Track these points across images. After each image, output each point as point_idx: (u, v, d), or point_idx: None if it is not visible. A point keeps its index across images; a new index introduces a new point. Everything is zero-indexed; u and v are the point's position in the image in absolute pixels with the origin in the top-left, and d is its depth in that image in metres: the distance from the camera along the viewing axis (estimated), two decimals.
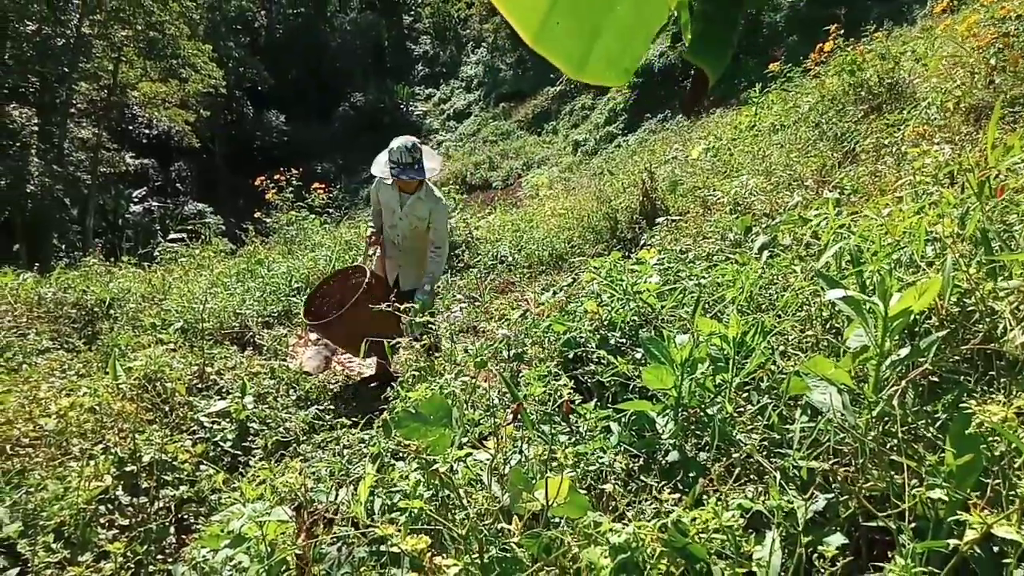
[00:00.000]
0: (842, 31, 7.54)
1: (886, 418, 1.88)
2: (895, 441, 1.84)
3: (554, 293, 3.79)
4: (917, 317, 2.07)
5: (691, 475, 2.06)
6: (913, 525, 1.53)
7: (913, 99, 6.11)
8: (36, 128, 21.82)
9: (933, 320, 2.13)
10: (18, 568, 2.19)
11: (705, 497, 1.32)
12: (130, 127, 29.07)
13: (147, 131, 29.51)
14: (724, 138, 8.97)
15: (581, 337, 3.19)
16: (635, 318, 3.19)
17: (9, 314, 5.03)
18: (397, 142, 4.22)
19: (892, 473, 1.74)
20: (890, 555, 1.49)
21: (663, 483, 1.22)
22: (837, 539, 1.49)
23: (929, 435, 1.89)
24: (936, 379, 2.06)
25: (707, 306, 3.11)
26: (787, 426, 2.20)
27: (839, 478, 1.90)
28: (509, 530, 1.24)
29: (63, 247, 21.11)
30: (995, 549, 1.50)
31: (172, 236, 10.57)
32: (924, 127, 4.74)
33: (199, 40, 27.26)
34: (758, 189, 5.06)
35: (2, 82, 21.24)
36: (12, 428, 2.85)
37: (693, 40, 0.61)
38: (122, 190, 27.09)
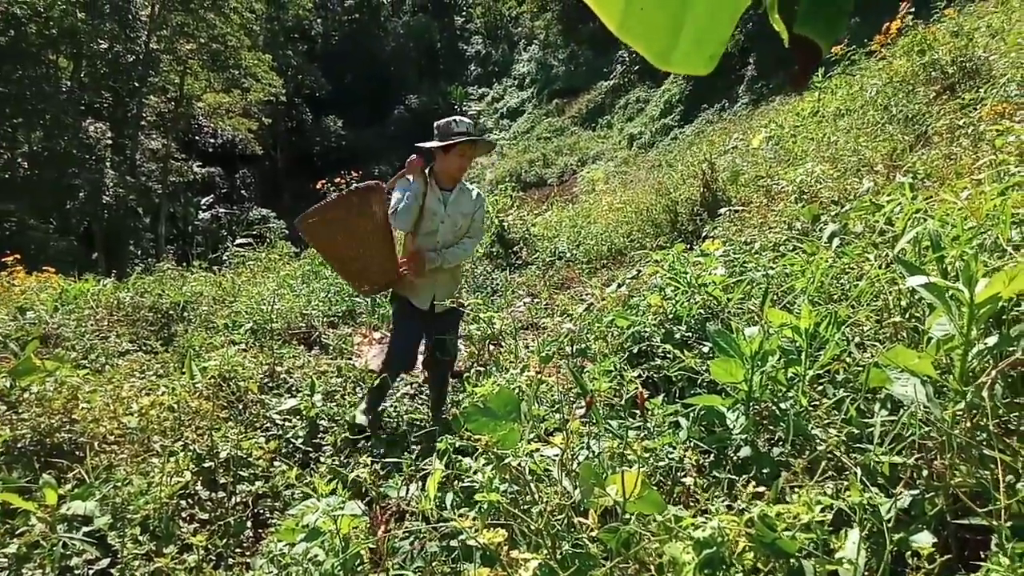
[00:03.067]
0: (912, 8, 7.22)
1: (974, 411, 1.78)
2: (985, 435, 1.75)
3: (617, 287, 3.75)
4: (1005, 304, 1.96)
5: (764, 471, 2.00)
6: (1009, 524, 1.45)
7: (990, 76, 5.81)
8: (110, 141, 22.88)
9: (1023, 307, 2.02)
10: (108, 559, 2.30)
11: (786, 493, 1.28)
12: (196, 137, 30.18)
13: (212, 140, 30.59)
14: (786, 125, 8.72)
15: (645, 331, 3.14)
16: (701, 311, 3.13)
17: (92, 318, 5.28)
18: (453, 117, 3.77)
19: (983, 468, 1.65)
20: (983, 555, 1.42)
21: (741, 477, 1.18)
22: (925, 537, 1.43)
23: (1023, 428, 1.79)
24: None
25: (776, 297, 3.03)
26: (866, 420, 2.12)
27: (924, 474, 1.83)
28: (583, 525, 1.23)
29: (138, 254, 22.08)
30: None
31: (239, 241, 10.91)
32: (1003, 105, 4.50)
33: (259, 50, 28.09)
34: (824, 176, 4.90)
35: (79, 99, 22.31)
36: (99, 426, 2.98)
37: (804, 9, 0.59)
38: (191, 198, 28.15)
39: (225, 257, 8.97)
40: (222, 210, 28.34)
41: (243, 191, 31.32)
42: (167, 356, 4.61)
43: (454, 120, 3.74)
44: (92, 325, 5.11)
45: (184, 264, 7.97)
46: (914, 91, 6.47)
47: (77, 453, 2.87)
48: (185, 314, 5.76)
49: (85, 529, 2.36)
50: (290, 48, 34.21)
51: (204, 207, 28.35)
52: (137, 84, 23.24)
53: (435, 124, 3.78)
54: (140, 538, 2.31)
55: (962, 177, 3.48)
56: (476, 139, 3.71)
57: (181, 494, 2.65)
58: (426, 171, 3.78)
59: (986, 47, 6.47)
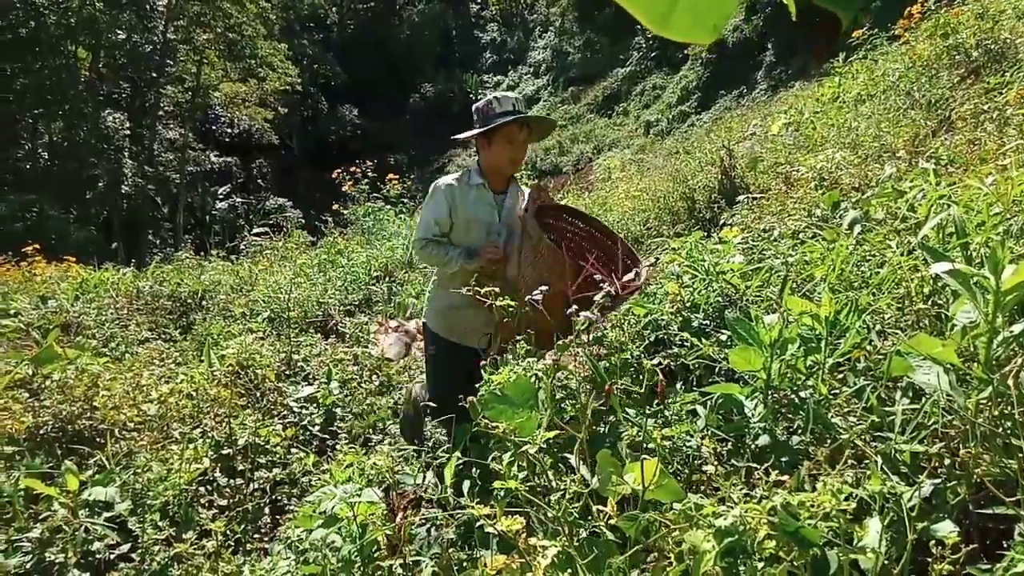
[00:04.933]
0: None
1: (999, 399, 1.75)
2: (1010, 423, 1.72)
3: (635, 275, 3.72)
4: None
5: (783, 460, 1.98)
6: None
7: (1016, 60, 5.68)
8: (128, 131, 23.07)
9: None
10: (129, 544, 2.33)
11: (807, 482, 1.27)
12: (213, 127, 30.36)
13: (229, 130, 30.75)
14: (806, 111, 8.60)
15: (662, 319, 3.12)
16: (719, 299, 3.10)
17: (112, 307, 5.34)
18: (494, 94, 2.97)
19: (1007, 458, 1.63)
20: (1006, 545, 1.39)
21: (763, 466, 1.17)
22: (947, 526, 1.40)
23: None
24: None
25: (795, 285, 2.99)
26: (887, 408, 2.10)
27: (947, 463, 1.80)
28: (601, 513, 1.22)
29: (156, 243, 22.29)
30: None
31: (256, 230, 10.98)
32: None
33: (275, 40, 28.15)
34: (845, 162, 4.83)
35: (98, 89, 22.50)
36: (119, 413, 3.02)
37: None
38: (208, 187, 28.34)
39: (242, 246, 9.01)
40: (239, 199, 28.51)
41: (259, 180, 31.49)
42: (186, 344, 4.66)
43: (495, 98, 2.88)
44: (112, 314, 5.16)
45: (202, 253, 8.03)
46: (937, 75, 6.35)
47: (98, 440, 2.91)
48: (203, 303, 5.81)
49: (106, 515, 2.40)
50: (306, 37, 34.27)
51: (221, 196, 28.54)
52: (155, 74, 23.42)
53: (474, 107, 2.98)
54: (160, 524, 2.34)
55: (987, 163, 3.42)
56: (527, 117, 2.81)
57: (200, 480, 2.68)
58: (471, 169, 3.00)
59: (1012, 30, 6.32)
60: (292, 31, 32.57)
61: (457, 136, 3.16)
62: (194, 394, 3.20)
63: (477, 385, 1.88)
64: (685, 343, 2.84)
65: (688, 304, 3.18)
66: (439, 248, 2.84)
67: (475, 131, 2.92)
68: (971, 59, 6.21)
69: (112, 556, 2.30)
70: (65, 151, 21.05)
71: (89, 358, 3.43)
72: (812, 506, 1.05)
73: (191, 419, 3.09)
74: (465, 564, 1.77)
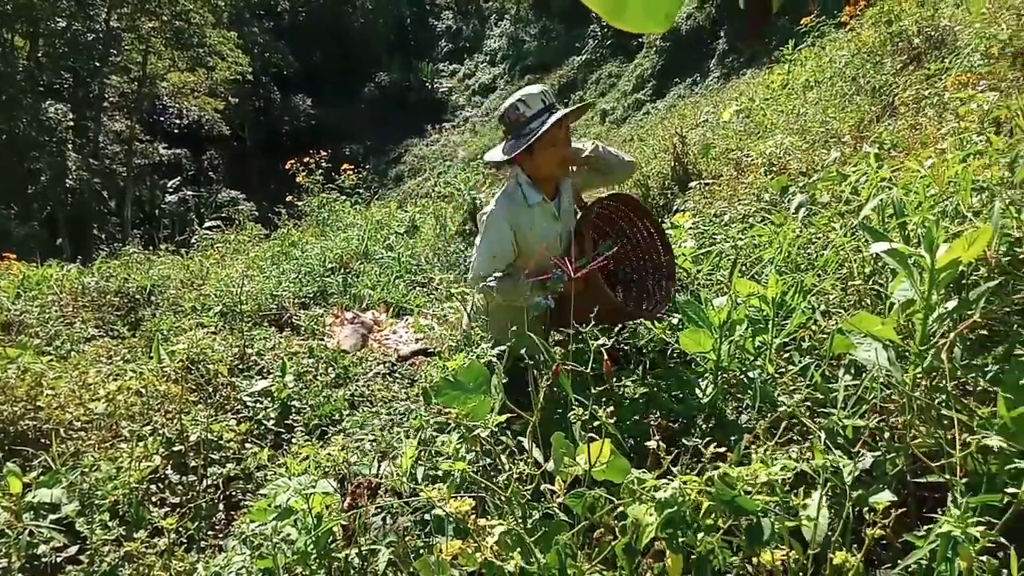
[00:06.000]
0: None
1: (934, 373, 1.82)
2: (944, 396, 1.79)
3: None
4: (965, 269, 2.00)
5: (732, 438, 2.03)
6: (965, 480, 1.49)
7: (955, 47, 5.87)
8: (71, 123, 22.30)
9: (982, 271, 2.06)
10: (77, 546, 2.27)
11: (750, 455, 1.30)
12: (161, 118, 29.53)
13: (178, 121, 29.96)
14: (756, 98, 8.76)
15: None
16: None
17: (56, 304, 5.17)
18: (517, 95, 2.62)
19: (941, 428, 1.69)
20: (941, 511, 1.45)
21: (705, 441, 1.20)
22: (886, 496, 1.46)
23: (980, 388, 1.84)
24: (986, 332, 1.99)
25: (744, 268, 3.05)
26: (831, 385, 2.16)
27: (886, 436, 1.87)
28: (552, 493, 1.24)
29: (103, 238, 21.62)
30: None
31: (208, 224, 10.75)
32: (967, 75, 4.55)
33: (224, 28, 27.44)
34: (793, 148, 4.93)
35: (37, 79, 21.67)
36: (64, 412, 2.94)
37: None
38: (157, 180, 27.60)
39: (193, 240, 8.81)
40: (189, 192, 27.82)
41: (211, 173, 30.78)
42: (134, 341, 4.54)
43: (521, 101, 2.54)
44: (56, 311, 5.00)
45: (151, 248, 7.83)
46: (881, 62, 6.52)
47: (42, 440, 2.83)
48: (152, 298, 5.67)
49: (52, 517, 2.33)
50: (256, 25, 33.48)
51: (171, 190, 27.81)
52: (98, 64, 22.63)
53: (499, 115, 2.68)
54: (109, 524, 2.28)
55: (927, 146, 3.53)
56: (564, 112, 2.54)
57: (151, 478, 2.62)
58: (518, 181, 2.60)
59: (951, 17, 6.53)
60: (242, 19, 31.77)
61: (491, 159, 2.69)
62: (143, 391, 3.13)
63: None
64: (638, 326, 2.88)
65: None
66: (506, 285, 2.48)
67: (513, 152, 2.51)
68: (913, 46, 6.39)
69: (59, 559, 2.24)
70: (4, 144, 20.23)
71: (32, 357, 3.33)
72: (749, 477, 1.08)
73: (141, 416, 3.02)
74: (422, 551, 1.77)
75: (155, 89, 26.69)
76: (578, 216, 2.73)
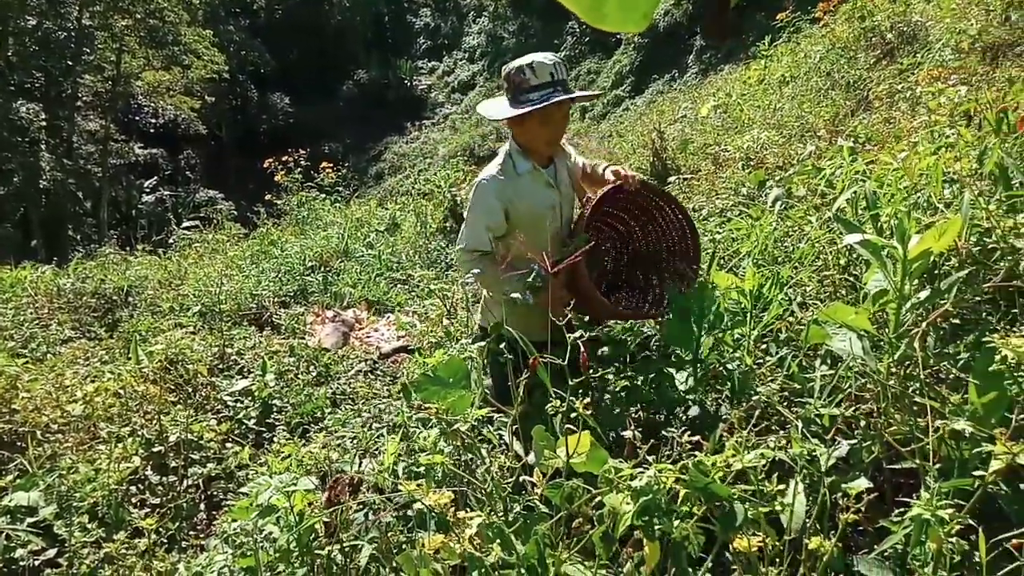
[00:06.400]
0: None
1: (907, 362, 1.86)
2: (917, 384, 1.82)
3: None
4: (936, 259, 2.03)
5: (714, 429, 2.06)
6: (938, 466, 1.52)
7: (926, 42, 5.95)
8: (44, 123, 21.92)
9: (953, 261, 2.10)
10: (55, 549, 2.25)
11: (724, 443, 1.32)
12: (136, 117, 29.11)
13: (153, 120, 29.55)
14: (734, 94, 8.82)
15: None
16: None
17: (31, 306, 5.10)
18: (528, 59, 2.40)
19: (915, 416, 1.72)
20: (916, 497, 1.48)
21: (683, 430, 1.22)
22: (862, 483, 1.48)
23: (952, 376, 1.87)
24: (957, 321, 2.03)
25: (722, 261, 3.08)
26: (807, 375, 2.19)
27: (862, 424, 1.90)
28: (532, 485, 1.24)
29: (79, 239, 21.29)
30: (1022, 487, 1.49)
31: (186, 224, 10.62)
32: (938, 69, 4.62)
33: (199, 26, 27.10)
34: (770, 142, 4.98)
35: (8, 79, 21.27)
36: (40, 415, 2.90)
37: None
38: (133, 181, 27.21)
39: (171, 240, 8.71)
40: (167, 192, 27.47)
41: (188, 172, 30.39)
42: (112, 342, 4.49)
43: (530, 66, 2.35)
44: (31, 313, 4.93)
45: (127, 248, 7.73)
46: (855, 57, 6.60)
47: (19, 444, 2.79)
48: (130, 299, 5.60)
49: (30, 520, 2.30)
50: (231, 23, 33.09)
51: (148, 190, 27.44)
52: (70, 63, 22.23)
53: (503, 73, 2.46)
54: (88, 526, 2.26)
55: (900, 140, 3.58)
56: (570, 97, 2.36)
57: (131, 480, 2.60)
58: (508, 150, 2.52)
59: (923, 12, 6.62)
60: (217, 17, 31.39)
61: (485, 113, 2.59)
62: (121, 392, 3.10)
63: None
64: (617, 320, 2.89)
65: None
66: (489, 270, 2.37)
67: (502, 114, 2.41)
68: (886, 41, 6.47)
69: (37, 562, 2.22)
70: None
71: (6, 359, 3.28)
72: (722, 464, 1.10)
73: (119, 418, 2.99)
74: (404, 546, 1.78)
75: (130, 88, 26.29)
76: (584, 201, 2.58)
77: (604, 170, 2.53)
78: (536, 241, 2.33)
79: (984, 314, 1.93)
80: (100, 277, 5.82)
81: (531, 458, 1.56)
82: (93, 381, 3.21)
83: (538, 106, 2.32)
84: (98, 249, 7.89)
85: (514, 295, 2.22)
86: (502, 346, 2.04)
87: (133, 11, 23.43)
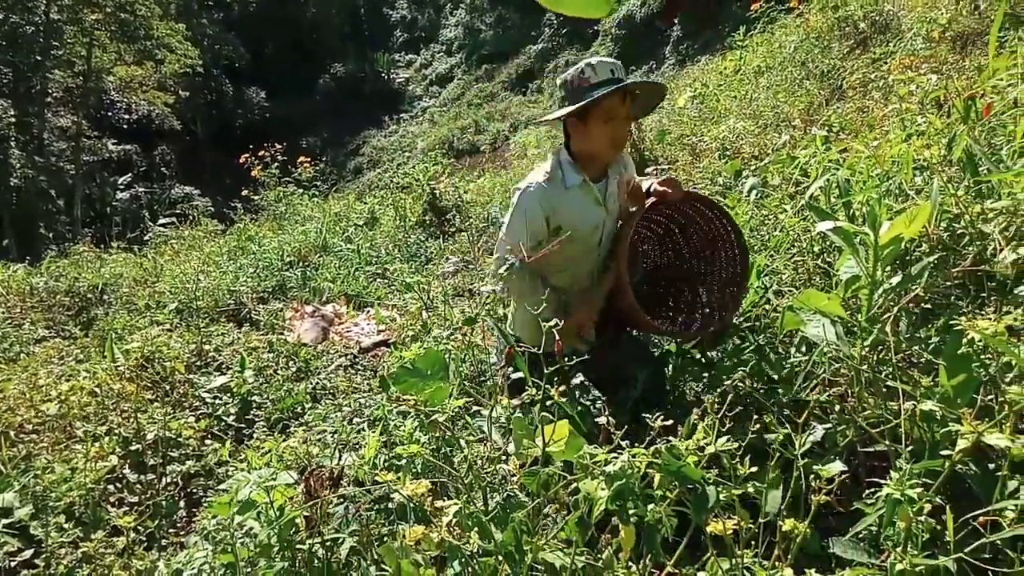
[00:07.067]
0: None
1: (880, 346, 1.89)
2: (890, 368, 1.85)
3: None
4: (907, 245, 2.06)
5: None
6: (911, 448, 1.55)
7: (899, 31, 6.02)
8: (13, 119, 21.48)
9: (924, 247, 2.13)
10: (32, 550, 2.22)
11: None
12: (109, 113, 28.63)
13: (127, 116, 29.09)
14: (710, 85, 8.87)
15: None
16: None
17: (2, 306, 5.02)
18: (586, 61, 2.33)
19: (887, 399, 1.75)
20: (888, 478, 1.51)
21: (658, 416, 1.23)
22: (836, 466, 1.51)
23: (924, 360, 1.91)
24: (928, 305, 2.06)
25: None
26: (784, 362, 2.22)
27: (837, 408, 1.93)
28: (509, 473, 1.25)
29: (52, 238, 20.94)
30: (991, 466, 1.53)
31: (161, 221, 10.49)
32: (910, 58, 4.67)
33: (172, 19, 26.70)
34: (746, 132, 5.02)
35: None
36: (14, 415, 2.86)
37: None
38: (107, 178, 26.79)
39: (147, 237, 8.60)
40: (141, 189, 27.07)
41: (163, 168, 29.97)
42: (87, 341, 4.43)
43: (589, 65, 2.28)
44: (3, 313, 4.85)
45: (102, 246, 7.62)
46: (829, 47, 6.66)
47: None
48: (105, 297, 5.53)
49: (5, 521, 2.27)
50: (205, 16, 32.65)
51: (122, 187, 27.02)
52: (39, 58, 21.81)
53: (560, 80, 2.37)
54: (65, 526, 2.23)
55: (873, 128, 3.63)
56: (632, 84, 2.25)
57: (108, 479, 2.58)
58: (559, 159, 2.38)
59: (894, 2, 6.69)
60: (190, 10, 30.94)
61: (544, 119, 2.50)
62: (97, 391, 3.06)
63: None
64: None
65: None
66: (525, 286, 2.29)
67: (563, 110, 2.27)
68: (859, 30, 6.54)
69: (13, 564, 2.19)
70: None
71: None
72: (697, 448, 1.11)
73: (95, 416, 2.95)
74: (385, 538, 1.78)
75: (101, 84, 25.87)
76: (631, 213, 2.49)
77: (650, 187, 2.44)
78: (573, 255, 2.33)
79: (953, 298, 1.97)
80: (74, 275, 5.73)
81: (511, 447, 1.57)
82: (68, 380, 3.17)
83: (605, 91, 2.19)
84: (72, 247, 7.77)
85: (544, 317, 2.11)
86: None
87: (103, 5, 23.02)
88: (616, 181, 2.44)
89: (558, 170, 2.35)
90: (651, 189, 2.41)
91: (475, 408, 1.80)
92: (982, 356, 1.50)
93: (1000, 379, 1.41)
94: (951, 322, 1.77)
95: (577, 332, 2.28)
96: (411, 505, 1.31)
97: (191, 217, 9.62)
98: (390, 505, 1.91)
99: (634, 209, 2.45)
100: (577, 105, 2.22)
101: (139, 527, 2.26)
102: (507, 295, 2.33)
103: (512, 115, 26.56)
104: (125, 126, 29.06)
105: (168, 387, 3.37)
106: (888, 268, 1.94)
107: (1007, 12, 3.88)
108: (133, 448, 2.76)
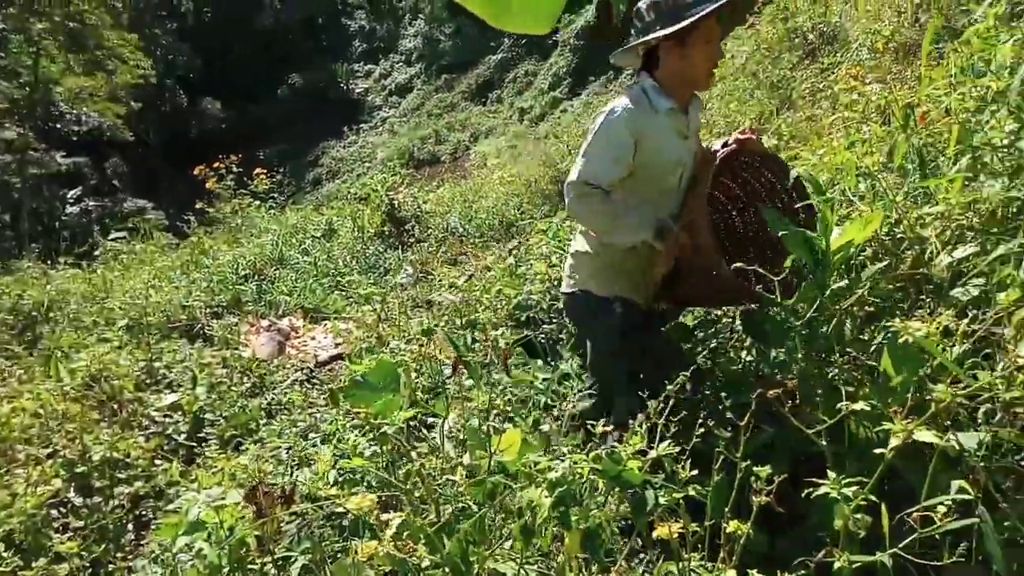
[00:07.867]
0: None
1: (824, 350, 1.93)
2: (836, 370, 1.90)
3: (501, 258, 3.79)
4: (853, 250, 2.12)
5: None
6: (854, 448, 1.59)
7: (846, 42, 6.20)
8: None
9: (867, 251, 2.19)
10: None
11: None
12: (57, 125, 27.83)
13: (76, 128, 28.28)
14: None
15: (532, 299, 3.20)
16: None
17: None
18: None
19: (834, 401, 1.79)
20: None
21: (604, 421, 1.24)
22: (771, 468, 1.53)
23: (869, 363, 1.95)
24: (872, 308, 2.12)
25: None
26: (734, 368, 2.26)
27: (785, 409, 1.96)
28: (455, 484, 1.24)
29: None
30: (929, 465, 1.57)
31: (113, 235, 10.22)
32: (856, 68, 4.80)
33: (123, 29, 26.16)
34: None
35: None
36: None
37: None
38: (56, 191, 26.01)
39: (96, 252, 8.37)
40: (92, 203, 26.34)
41: (115, 181, 29.18)
42: (31, 360, 4.28)
43: None
44: None
45: (49, 262, 7.39)
46: (780, 57, 6.83)
47: None
48: (51, 315, 5.36)
49: None
50: (158, 27, 32.06)
51: (71, 200, 26.27)
52: None
53: (646, 5, 2.12)
54: (4, 554, 2.15)
55: (821, 136, 3.72)
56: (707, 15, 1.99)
57: (51, 503, 2.49)
58: (642, 87, 2.17)
59: (841, 14, 6.89)
60: (142, 20, 30.35)
61: (636, 42, 2.18)
62: (40, 412, 2.96)
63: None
64: (554, 320, 2.92)
65: (557, 282, 3.28)
66: (608, 206, 2.06)
67: (663, 31, 2.02)
68: (808, 41, 6.71)
69: None
70: None
71: None
72: (638, 453, 1.12)
73: (38, 439, 2.86)
74: (338, 554, 1.75)
75: (49, 95, 25.17)
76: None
77: (724, 142, 2.31)
78: (650, 197, 2.15)
79: (895, 301, 2.02)
80: (18, 292, 5.54)
81: (466, 457, 1.56)
82: (9, 402, 3.06)
83: (712, 6, 1.96)
84: (16, 263, 7.52)
85: (636, 238, 2.01)
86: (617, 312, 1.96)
87: (50, 13, 22.45)
88: (696, 118, 2.28)
89: (644, 97, 2.15)
90: (729, 142, 2.28)
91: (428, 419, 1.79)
92: (920, 356, 1.54)
93: (931, 378, 1.46)
94: (886, 324, 1.82)
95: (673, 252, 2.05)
96: (363, 520, 1.29)
97: (144, 231, 9.40)
98: (344, 522, 1.89)
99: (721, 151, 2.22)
100: (680, 24, 1.99)
101: (83, 552, 2.19)
102: (584, 225, 2.12)
103: (472, 125, 26.59)
104: (75, 138, 28.25)
105: (116, 406, 3.28)
106: (836, 272, 1.99)
107: (943, 25, 4.03)
108: (79, 470, 2.67)
